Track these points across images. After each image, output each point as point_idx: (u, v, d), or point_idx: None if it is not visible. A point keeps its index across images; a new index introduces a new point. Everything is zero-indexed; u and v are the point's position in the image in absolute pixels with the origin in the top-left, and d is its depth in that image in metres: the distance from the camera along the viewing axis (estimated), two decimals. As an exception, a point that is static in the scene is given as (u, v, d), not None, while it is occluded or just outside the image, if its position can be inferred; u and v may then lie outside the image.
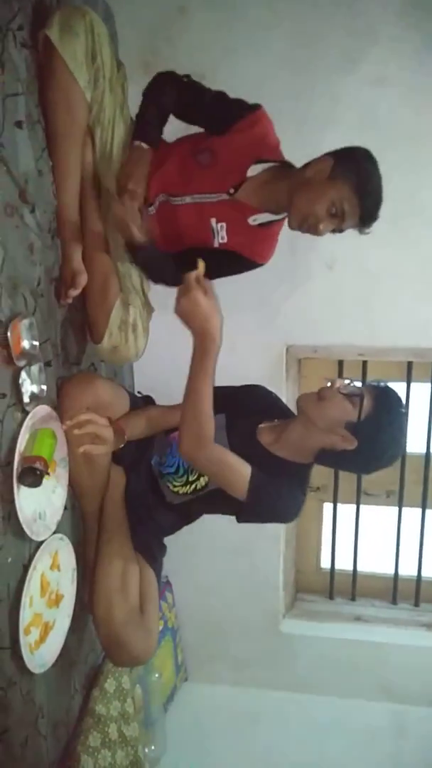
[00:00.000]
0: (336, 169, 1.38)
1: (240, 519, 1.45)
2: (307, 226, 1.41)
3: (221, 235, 1.50)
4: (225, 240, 1.51)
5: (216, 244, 1.52)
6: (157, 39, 1.85)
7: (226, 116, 1.47)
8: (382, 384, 1.46)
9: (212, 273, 1.61)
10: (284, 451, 1.47)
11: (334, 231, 1.44)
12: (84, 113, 1.37)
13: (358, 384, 1.46)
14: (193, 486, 1.51)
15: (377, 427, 1.37)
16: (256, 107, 1.48)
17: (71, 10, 1.33)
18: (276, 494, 1.41)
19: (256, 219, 1.50)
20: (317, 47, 1.80)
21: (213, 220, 1.48)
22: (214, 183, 1.47)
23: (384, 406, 1.39)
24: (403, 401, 1.45)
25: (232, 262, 1.55)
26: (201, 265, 1.29)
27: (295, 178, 1.44)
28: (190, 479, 1.50)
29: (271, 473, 1.42)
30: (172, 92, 1.47)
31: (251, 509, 1.40)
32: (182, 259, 1.50)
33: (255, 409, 1.56)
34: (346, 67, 1.79)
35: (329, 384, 1.44)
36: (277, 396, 1.67)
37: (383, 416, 1.38)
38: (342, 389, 1.40)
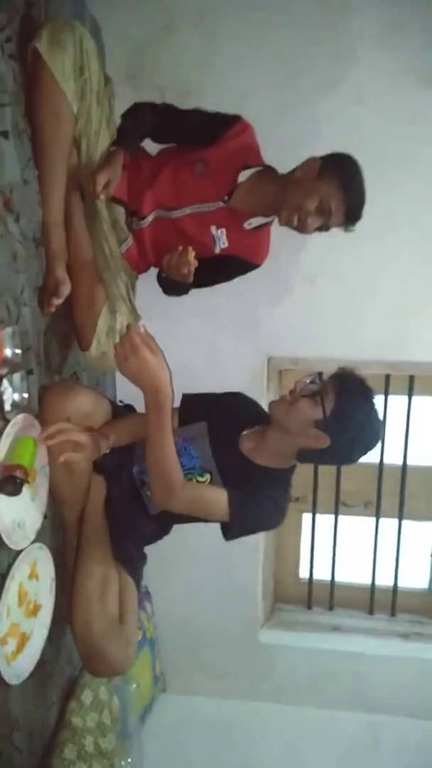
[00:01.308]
0: (323, 169, 1.50)
1: (227, 538, 1.48)
2: (297, 220, 1.50)
3: (222, 240, 1.57)
4: (226, 245, 1.59)
5: (218, 250, 1.59)
6: (144, 54, 1.88)
7: (213, 128, 1.54)
8: (341, 371, 1.45)
9: (214, 279, 1.70)
10: (264, 458, 1.49)
11: (320, 229, 1.53)
12: (71, 124, 1.39)
13: (321, 376, 1.44)
14: None
15: (344, 419, 1.37)
16: (238, 117, 1.56)
17: (60, 24, 1.35)
18: (257, 508, 1.43)
19: (251, 223, 1.59)
20: (300, 66, 1.84)
21: (213, 227, 1.56)
22: (210, 192, 1.53)
23: (346, 395, 1.39)
24: (366, 382, 1.44)
25: (232, 265, 1.64)
26: (191, 253, 1.42)
27: (284, 179, 1.54)
28: None
29: (252, 483, 1.44)
30: (151, 114, 1.54)
31: (236, 528, 1.44)
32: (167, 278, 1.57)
33: (236, 417, 1.57)
34: (327, 86, 1.84)
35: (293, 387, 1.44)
36: (256, 402, 1.69)
37: (347, 407, 1.38)
38: (302, 391, 1.41)
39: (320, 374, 1.43)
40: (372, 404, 1.42)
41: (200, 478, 1.50)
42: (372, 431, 1.43)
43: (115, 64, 1.73)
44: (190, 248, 1.44)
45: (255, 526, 1.50)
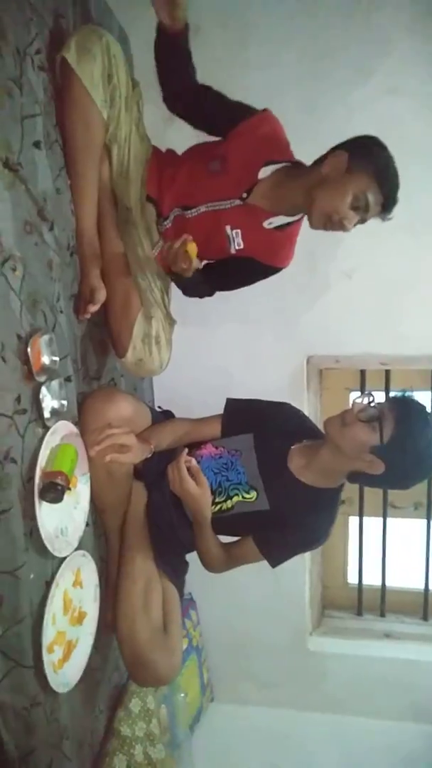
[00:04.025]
0: (352, 162, 1.37)
1: (272, 566, 1.52)
2: (332, 224, 1.39)
3: (237, 241, 1.48)
4: (241, 246, 1.50)
5: (233, 251, 1.51)
6: (171, 58, 1.87)
7: (232, 114, 1.46)
8: (402, 396, 1.41)
9: (232, 283, 1.62)
10: (313, 477, 1.45)
11: (358, 222, 1.42)
12: (101, 131, 1.39)
13: (379, 397, 1.41)
14: (219, 507, 1.50)
15: (402, 447, 1.32)
16: (262, 109, 1.48)
17: (88, 32, 1.35)
18: (291, 539, 1.48)
19: (272, 222, 1.48)
20: (330, 60, 1.81)
21: (228, 227, 1.47)
22: (227, 189, 1.46)
23: (406, 423, 1.33)
24: (427, 410, 1.39)
25: (249, 269, 1.54)
26: (190, 245, 1.33)
27: (309, 176, 1.41)
28: (217, 500, 1.49)
29: (298, 506, 1.45)
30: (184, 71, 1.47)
31: (274, 561, 1.51)
32: (208, 271, 1.51)
33: (284, 430, 1.53)
34: (359, 78, 1.80)
35: (351, 406, 1.40)
36: (304, 414, 1.64)
37: (406, 435, 1.33)
38: (360, 416, 1.35)
39: (371, 394, 1.40)
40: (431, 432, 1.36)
41: (246, 495, 1.49)
42: (430, 461, 1.37)
43: (143, 70, 1.72)
44: (189, 238, 1.34)
45: (293, 553, 1.53)
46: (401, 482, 1.44)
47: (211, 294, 1.62)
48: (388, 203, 1.39)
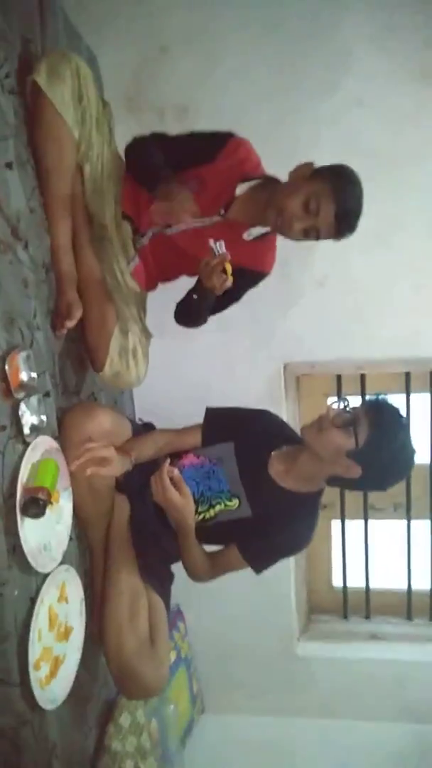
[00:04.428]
0: (316, 171, 1.45)
1: (256, 573, 1.54)
2: (281, 221, 1.44)
3: (221, 251, 1.51)
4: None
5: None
6: (140, 77, 1.92)
7: (207, 149, 1.52)
8: (376, 399, 1.44)
9: (226, 299, 1.61)
10: (294, 482, 1.48)
11: (308, 234, 1.45)
12: (73, 151, 1.42)
13: (356, 401, 1.43)
14: (202, 516, 1.51)
15: (378, 449, 1.35)
16: (230, 134, 1.54)
17: (57, 56, 1.39)
18: (274, 544, 1.50)
19: (251, 233, 1.55)
20: (297, 75, 1.86)
21: (211, 240, 1.49)
22: (207, 208, 1.50)
23: (380, 425, 1.36)
24: (401, 412, 1.42)
25: (238, 277, 1.52)
26: (229, 266, 1.37)
27: (277, 186, 1.50)
28: (200, 509, 1.50)
29: (279, 511, 1.47)
30: (158, 150, 1.50)
31: (258, 568, 1.53)
32: (196, 290, 1.52)
33: (264, 437, 1.55)
34: (326, 91, 1.85)
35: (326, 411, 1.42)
36: (283, 421, 1.67)
37: (382, 437, 1.35)
38: (335, 421, 1.38)
39: (346, 399, 1.42)
40: (407, 434, 1.39)
41: (228, 503, 1.50)
42: (405, 462, 1.41)
43: (112, 90, 1.76)
44: (228, 257, 1.36)
45: (276, 559, 1.55)
46: (378, 484, 1.46)
47: (205, 321, 1.63)
48: (341, 219, 1.42)
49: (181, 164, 1.53)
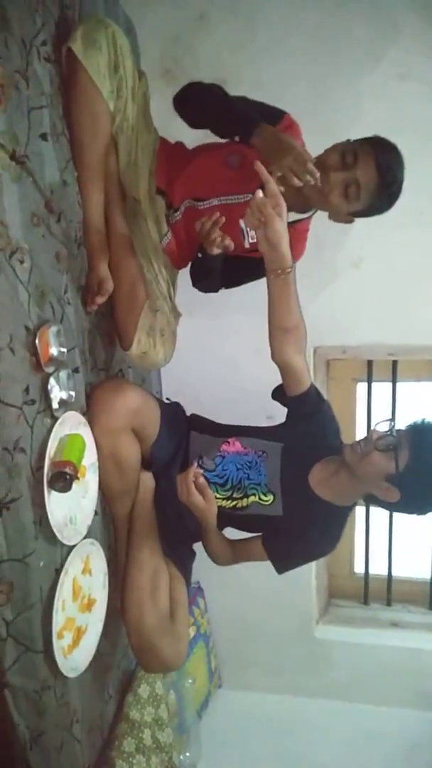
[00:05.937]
0: (357, 140, 1.39)
1: (279, 572, 1.55)
2: (320, 182, 1.34)
3: (251, 234, 1.48)
4: (255, 240, 1.47)
5: (247, 245, 1.51)
6: (178, 47, 1.87)
7: (265, 119, 1.43)
8: (420, 423, 1.39)
9: (246, 277, 1.62)
10: (329, 493, 1.47)
11: (348, 193, 1.37)
12: (108, 123, 1.39)
13: (395, 424, 1.38)
14: (234, 503, 1.51)
15: (417, 475, 1.32)
16: (284, 112, 1.48)
17: (94, 23, 1.35)
18: (299, 549, 1.51)
19: None
20: (339, 45, 1.79)
21: (242, 221, 1.46)
22: (243, 184, 1.46)
23: (422, 451, 1.33)
24: None
25: (262, 264, 1.50)
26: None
27: None
28: (235, 496, 1.51)
29: (310, 517, 1.46)
30: (212, 93, 1.45)
31: (280, 568, 1.54)
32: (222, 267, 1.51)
33: (314, 447, 1.52)
34: (369, 63, 1.78)
35: (368, 433, 1.40)
36: (337, 424, 1.60)
37: (422, 464, 1.32)
38: (378, 444, 1.35)
39: (393, 420, 1.38)
40: None
41: (263, 497, 1.51)
42: None
43: (149, 61, 1.73)
44: (222, 221, 1.34)
45: (297, 564, 1.56)
46: (416, 509, 1.44)
47: (217, 290, 1.62)
48: (383, 173, 1.35)
49: (228, 133, 1.45)
